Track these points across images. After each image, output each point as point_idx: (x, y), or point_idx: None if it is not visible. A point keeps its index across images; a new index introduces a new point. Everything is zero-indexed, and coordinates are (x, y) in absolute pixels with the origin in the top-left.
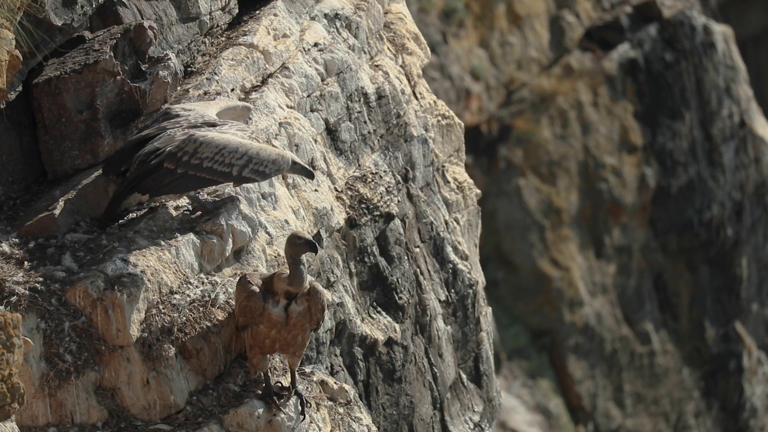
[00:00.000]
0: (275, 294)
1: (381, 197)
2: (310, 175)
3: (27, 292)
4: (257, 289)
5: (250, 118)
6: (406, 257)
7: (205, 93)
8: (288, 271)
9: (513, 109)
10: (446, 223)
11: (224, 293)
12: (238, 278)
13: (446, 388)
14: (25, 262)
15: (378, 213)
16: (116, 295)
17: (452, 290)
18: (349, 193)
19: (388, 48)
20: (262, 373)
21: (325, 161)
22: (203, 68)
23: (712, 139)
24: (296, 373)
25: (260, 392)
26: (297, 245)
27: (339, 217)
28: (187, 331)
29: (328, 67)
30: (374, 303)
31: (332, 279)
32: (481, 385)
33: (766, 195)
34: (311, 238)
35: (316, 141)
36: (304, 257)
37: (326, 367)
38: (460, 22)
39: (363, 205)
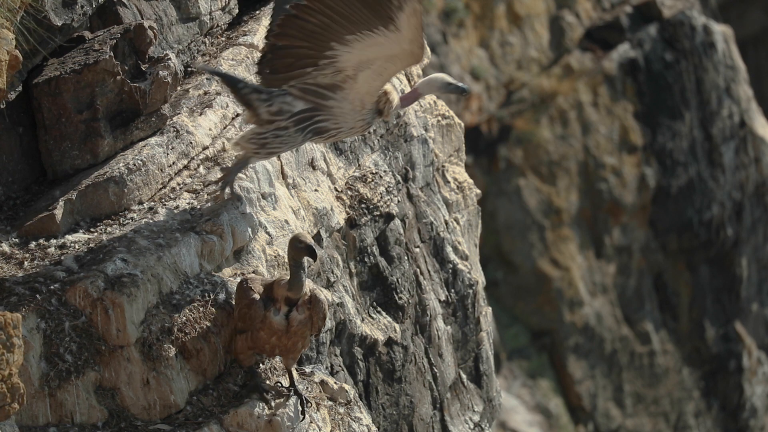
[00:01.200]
0: (276, 301)
1: (381, 197)
2: (466, 92)
3: (27, 292)
4: (258, 297)
5: None
6: (406, 257)
7: (205, 93)
8: (287, 277)
9: (513, 109)
10: (446, 223)
11: (224, 293)
12: (238, 282)
13: (446, 388)
14: (25, 262)
15: (378, 213)
16: (116, 295)
17: (452, 290)
18: (349, 193)
19: None
20: (248, 368)
21: (325, 161)
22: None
23: (712, 139)
24: (294, 372)
25: (248, 385)
26: (297, 248)
27: (339, 217)
28: (187, 331)
29: None
30: (374, 303)
31: (332, 279)
32: (481, 385)
33: (766, 195)
34: (312, 244)
35: None
36: (305, 261)
37: (326, 367)
38: (460, 22)
39: (363, 205)
